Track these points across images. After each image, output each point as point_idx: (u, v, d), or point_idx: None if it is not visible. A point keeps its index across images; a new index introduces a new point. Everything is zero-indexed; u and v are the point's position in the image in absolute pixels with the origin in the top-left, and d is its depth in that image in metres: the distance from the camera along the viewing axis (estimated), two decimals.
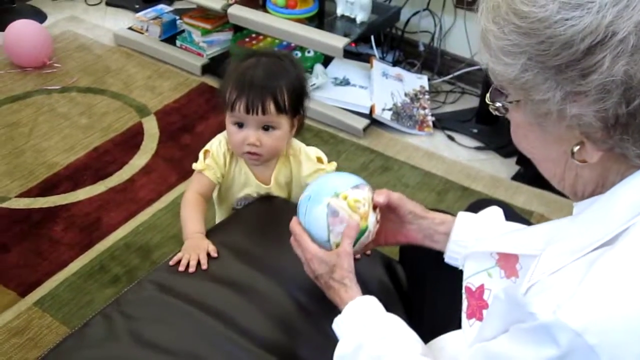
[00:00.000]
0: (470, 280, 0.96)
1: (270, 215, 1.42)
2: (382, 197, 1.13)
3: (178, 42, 3.00)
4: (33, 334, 1.77)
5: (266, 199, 1.47)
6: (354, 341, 0.99)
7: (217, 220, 1.60)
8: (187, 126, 2.57)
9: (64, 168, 2.34)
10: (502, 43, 0.75)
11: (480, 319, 0.93)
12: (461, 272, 1.20)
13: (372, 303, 1.04)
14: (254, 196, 1.49)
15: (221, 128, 1.48)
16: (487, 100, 0.85)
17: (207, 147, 1.46)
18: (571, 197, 0.85)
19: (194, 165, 1.46)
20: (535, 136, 0.81)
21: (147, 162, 2.38)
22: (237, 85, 1.34)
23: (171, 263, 1.26)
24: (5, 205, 2.17)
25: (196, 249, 1.26)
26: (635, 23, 0.68)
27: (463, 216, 1.14)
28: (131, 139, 2.50)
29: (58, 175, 2.31)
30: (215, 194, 1.55)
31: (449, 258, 1.12)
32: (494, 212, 1.13)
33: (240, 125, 1.37)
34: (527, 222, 1.30)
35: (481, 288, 0.93)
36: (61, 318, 1.81)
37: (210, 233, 1.37)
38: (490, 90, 0.85)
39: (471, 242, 1.06)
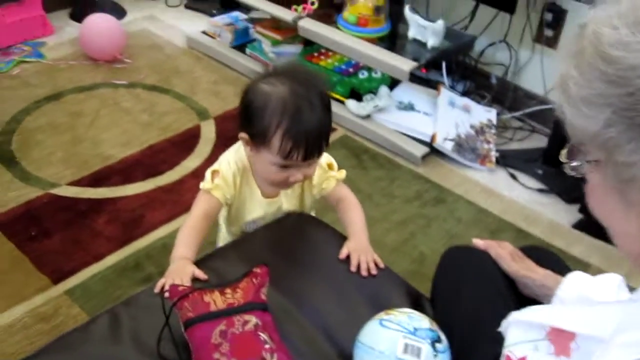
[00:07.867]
0: (512, 349, 0.87)
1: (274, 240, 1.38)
2: (481, 243, 1.27)
3: (248, 50, 3.00)
4: (59, 322, 1.77)
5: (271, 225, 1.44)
6: None
7: (220, 243, 1.56)
8: None
9: (118, 162, 2.36)
10: (584, 92, 0.66)
11: None
12: (490, 327, 1.11)
13: None
14: (263, 218, 1.44)
15: None
16: (563, 159, 0.75)
17: (215, 167, 1.39)
18: None
19: (202, 185, 1.38)
20: (614, 203, 0.70)
21: (199, 165, 2.37)
22: (291, 135, 1.23)
23: (156, 290, 1.19)
24: (54, 191, 2.20)
25: (180, 273, 1.21)
26: None
27: (575, 275, 1.11)
28: (187, 141, 2.50)
29: (110, 168, 2.33)
30: (224, 215, 1.51)
31: None
32: (612, 279, 1.05)
33: (285, 166, 1.29)
34: None
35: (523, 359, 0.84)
36: (88, 310, 1.80)
37: (210, 257, 1.33)
38: (567, 147, 0.74)
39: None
